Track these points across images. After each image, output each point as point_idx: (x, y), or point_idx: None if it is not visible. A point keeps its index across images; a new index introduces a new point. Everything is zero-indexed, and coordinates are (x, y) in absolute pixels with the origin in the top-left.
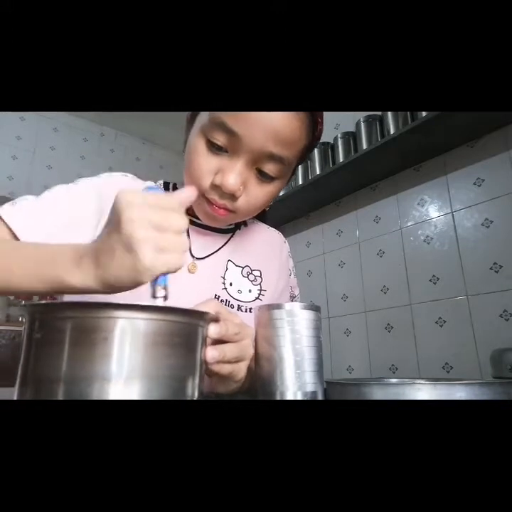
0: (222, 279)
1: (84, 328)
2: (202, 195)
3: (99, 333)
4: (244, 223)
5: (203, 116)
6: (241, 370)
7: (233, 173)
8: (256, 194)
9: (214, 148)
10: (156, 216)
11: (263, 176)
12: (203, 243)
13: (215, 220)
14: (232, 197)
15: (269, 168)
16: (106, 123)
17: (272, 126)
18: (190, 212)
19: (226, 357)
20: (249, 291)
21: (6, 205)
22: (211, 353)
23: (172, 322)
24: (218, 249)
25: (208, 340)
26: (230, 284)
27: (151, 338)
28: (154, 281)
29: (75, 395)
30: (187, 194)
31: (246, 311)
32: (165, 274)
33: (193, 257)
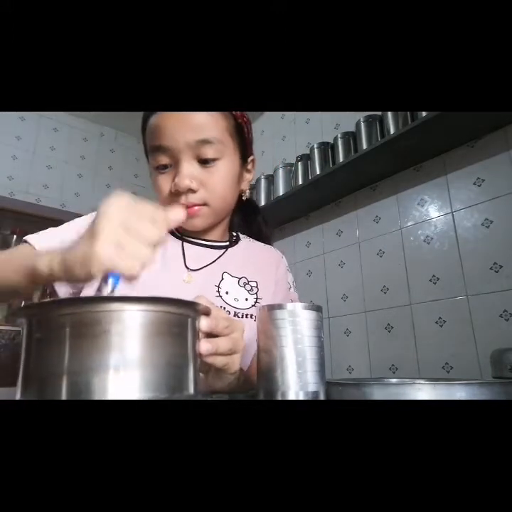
0: (217, 288)
1: (82, 322)
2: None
3: (97, 326)
4: (238, 238)
5: (148, 152)
6: (235, 362)
7: (180, 174)
8: (209, 181)
9: (161, 169)
10: (131, 220)
11: (206, 164)
12: (197, 257)
13: (194, 220)
14: (191, 192)
15: (206, 152)
16: (106, 123)
17: (183, 121)
18: (186, 231)
19: (219, 349)
20: (246, 299)
21: (33, 235)
22: (205, 346)
23: (165, 313)
24: (213, 262)
25: (201, 334)
26: (226, 293)
27: (147, 329)
28: (105, 279)
29: (78, 387)
30: (176, 214)
31: (243, 317)
32: (116, 275)
33: (187, 268)
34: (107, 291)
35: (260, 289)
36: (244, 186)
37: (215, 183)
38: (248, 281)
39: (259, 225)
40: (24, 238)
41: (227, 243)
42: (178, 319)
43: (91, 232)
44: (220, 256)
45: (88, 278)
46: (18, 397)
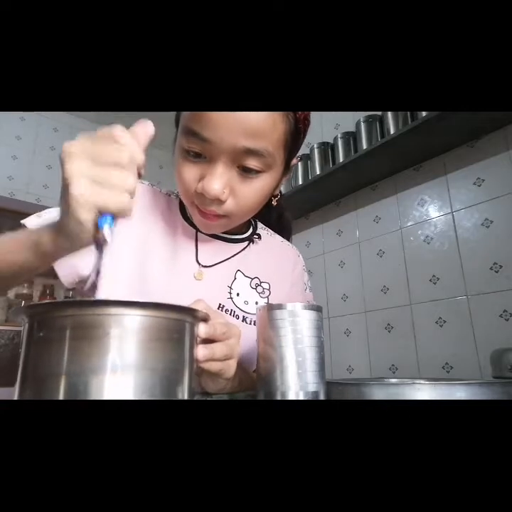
0: (229, 289)
1: (82, 324)
2: (192, 203)
3: (96, 328)
4: (258, 235)
5: (180, 128)
6: (230, 367)
7: (213, 178)
8: (244, 193)
9: (192, 156)
10: (97, 149)
11: (247, 173)
12: (211, 251)
13: (209, 226)
14: (219, 201)
15: (250, 163)
16: (106, 123)
17: (238, 122)
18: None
19: (216, 355)
20: (256, 303)
21: (32, 217)
22: (202, 352)
23: (165, 318)
24: (227, 259)
25: (198, 340)
26: (237, 295)
27: (146, 333)
28: (99, 225)
29: (76, 388)
30: (145, 128)
31: (250, 323)
32: (106, 212)
33: (199, 264)
34: (100, 235)
35: (272, 292)
36: (277, 191)
37: (247, 197)
38: (260, 283)
39: (281, 211)
40: (22, 222)
41: (246, 235)
42: (177, 325)
43: (63, 182)
44: (237, 253)
45: (81, 230)
46: (15, 396)
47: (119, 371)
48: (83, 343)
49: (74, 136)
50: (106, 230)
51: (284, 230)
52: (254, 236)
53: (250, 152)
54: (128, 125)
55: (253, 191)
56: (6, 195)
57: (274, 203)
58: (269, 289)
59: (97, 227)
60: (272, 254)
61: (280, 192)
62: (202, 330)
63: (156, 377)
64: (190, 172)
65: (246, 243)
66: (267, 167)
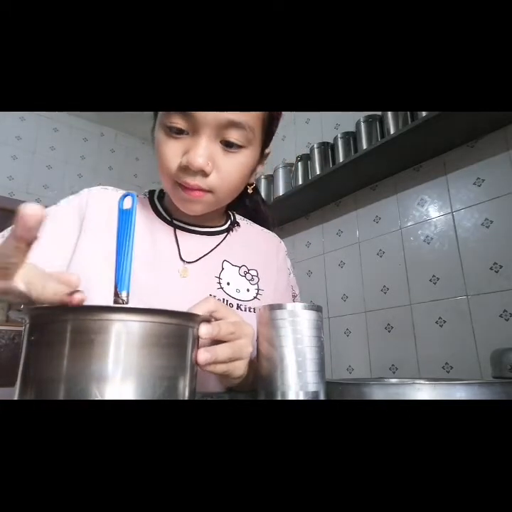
0: (217, 279)
1: (82, 329)
2: (175, 182)
3: (96, 334)
4: (237, 224)
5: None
6: (237, 368)
7: (198, 150)
8: (226, 167)
9: (174, 132)
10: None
11: (229, 146)
12: (192, 246)
13: (194, 204)
14: (203, 174)
15: (233, 136)
16: (106, 123)
17: None
18: (177, 214)
19: (219, 358)
20: (247, 290)
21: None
22: (202, 356)
23: (164, 324)
24: (210, 251)
25: (201, 341)
26: (228, 284)
27: (144, 339)
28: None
29: (74, 393)
30: (19, 231)
31: (245, 310)
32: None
33: (183, 261)
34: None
35: (261, 279)
36: (253, 179)
37: (230, 172)
38: (248, 270)
39: (256, 205)
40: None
41: (226, 227)
42: (175, 330)
43: None
44: (219, 243)
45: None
46: (15, 397)
47: (117, 377)
48: (80, 348)
49: (74, 136)
50: None
51: (262, 222)
52: (234, 226)
53: (233, 124)
54: (129, 125)
55: (235, 166)
56: (6, 195)
57: (249, 190)
58: (257, 276)
59: None
60: (255, 241)
61: (255, 183)
62: (203, 331)
63: (154, 383)
64: (173, 148)
65: (226, 234)
66: (248, 142)
